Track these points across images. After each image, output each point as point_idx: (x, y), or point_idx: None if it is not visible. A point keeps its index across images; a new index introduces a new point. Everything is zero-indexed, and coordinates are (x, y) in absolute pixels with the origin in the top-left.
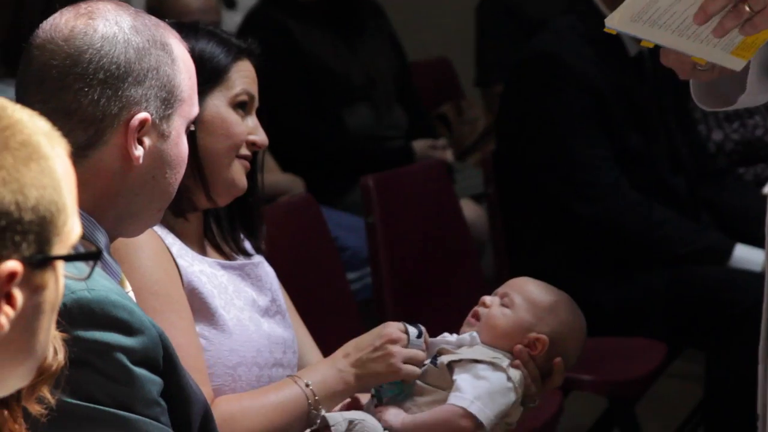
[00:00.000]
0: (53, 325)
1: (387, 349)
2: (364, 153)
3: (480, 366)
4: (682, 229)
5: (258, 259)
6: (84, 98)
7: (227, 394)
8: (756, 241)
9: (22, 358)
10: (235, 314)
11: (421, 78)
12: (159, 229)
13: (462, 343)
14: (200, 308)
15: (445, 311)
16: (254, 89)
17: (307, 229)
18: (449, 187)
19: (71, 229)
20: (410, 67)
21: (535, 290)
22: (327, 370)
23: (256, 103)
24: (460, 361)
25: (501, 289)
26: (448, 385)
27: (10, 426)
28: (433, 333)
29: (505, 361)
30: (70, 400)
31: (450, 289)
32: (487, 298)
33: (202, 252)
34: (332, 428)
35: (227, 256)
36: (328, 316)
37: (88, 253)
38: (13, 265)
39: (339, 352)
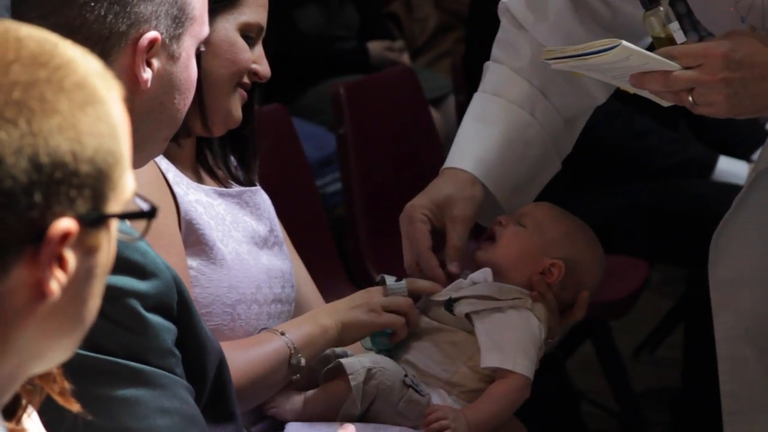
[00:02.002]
0: (102, 292)
1: (363, 298)
2: (316, 55)
3: (500, 312)
4: (664, 140)
5: (255, 186)
6: (89, 14)
7: (226, 334)
8: (735, 152)
9: (70, 328)
10: (233, 247)
11: None
12: None
13: (473, 281)
14: (197, 242)
15: None
16: (265, 19)
17: (277, 141)
18: (420, 94)
19: (126, 183)
20: None
21: (551, 214)
22: (304, 323)
23: (263, 33)
24: (479, 312)
25: (518, 212)
26: (468, 328)
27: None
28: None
29: (527, 301)
30: (77, 350)
31: None
32: (502, 218)
33: (197, 179)
34: (350, 376)
35: (222, 183)
36: (298, 226)
37: (146, 212)
38: (68, 223)
39: (315, 310)
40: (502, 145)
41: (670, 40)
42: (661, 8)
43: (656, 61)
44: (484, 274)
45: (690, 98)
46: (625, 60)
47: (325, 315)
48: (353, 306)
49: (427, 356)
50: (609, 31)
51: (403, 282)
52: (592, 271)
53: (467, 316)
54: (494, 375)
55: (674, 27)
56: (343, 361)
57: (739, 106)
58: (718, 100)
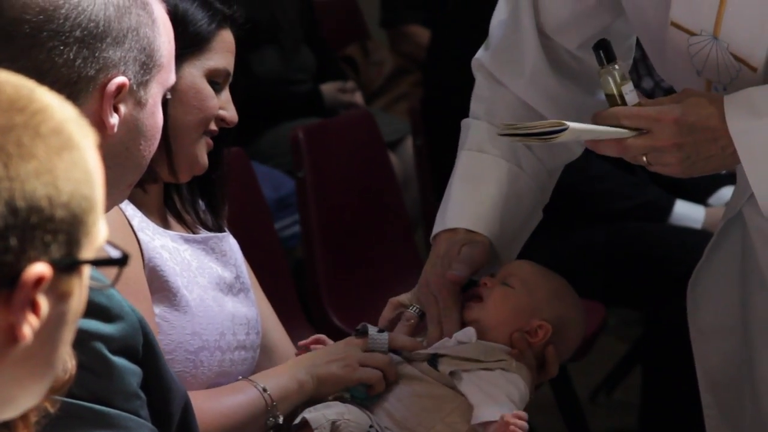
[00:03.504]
0: (71, 338)
1: (342, 352)
2: (272, 98)
3: (490, 372)
4: (621, 184)
5: (222, 233)
6: (58, 57)
7: (188, 381)
8: (692, 196)
9: (41, 374)
10: (198, 294)
11: (325, 18)
12: None
13: (458, 341)
14: (161, 288)
15: (374, 265)
16: (232, 65)
17: (236, 185)
18: (378, 137)
19: (99, 230)
20: (314, 6)
21: (535, 273)
22: (282, 374)
23: (230, 78)
24: (466, 371)
25: (501, 272)
26: (450, 384)
27: None
28: (367, 291)
29: (512, 363)
30: None
31: (380, 243)
32: (486, 279)
33: (164, 224)
34: (315, 431)
35: (190, 228)
36: (258, 269)
37: (117, 259)
38: (42, 268)
39: (292, 362)
40: (497, 199)
41: (622, 100)
42: (617, 67)
43: (607, 133)
44: (468, 334)
45: (645, 159)
46: (577, 137)
47: (302, 369)
48: (330, 360)
49: (405, 407)
50: (584, 84)
51: (385, 334)
52: (576, 330)
53: (451, 374)
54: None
55: (627, 88)
56: (307, 415)
57: (692, 167)
58: (672, 162)
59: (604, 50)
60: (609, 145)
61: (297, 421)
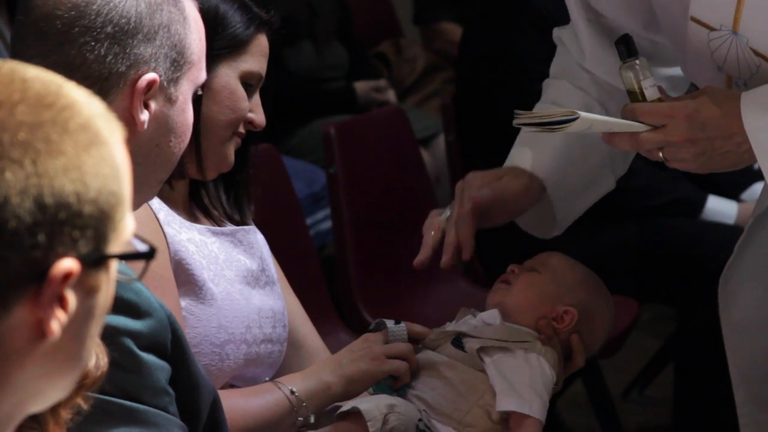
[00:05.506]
0: (99, 332)
1: (365, 347)
2: (305, 95)
3: (512, 354)
4: (653, 180)
5: (249, 225)
6: (90, 53)
7: (214, 374)
8: (724, 191)
9: (68, 368)
10: (224, 287)
11: (358, 15)
12: None
13: (484, 321)
14: (187, 281)
15: (407, 261)
16: (265, 68)
17: (268, 181)
18: (410, 133)
19: (126, 225)
20: (347, 3)
21: (564, 262)
22: (308, 377)
23: (262, 82)
24: (489, 348)
25: (530, 262)
26: (479, 366)
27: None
28: (398, 287)
29: (536, 344)
30: None
31: (412, 239)
32: (515, 266)
33: (191, 218)
34: (368, 423)
35: (216, 222)
36: (289, 265)
37: (144, 252)
38: (70, 264)
39: (318, 365)
40: (562, 146)
41: (642, 96)
42: (638, 62)
43: (620, 125)
44: (492, 315)
45: (661, 155)
46: (588, 128)
47: (328, 371)
48: (355, 357)
49: (439, 394)
50: (661, 60)
51: (403, 324)
52: (603, 320)
53: (479, 351)
54: (508, 417)
55: (647, 84)
56: (360, 406)
57: (708, 163)
58: (687, 157)
59: (625, 45)
60: (623, 139)
61: (345, 408)
